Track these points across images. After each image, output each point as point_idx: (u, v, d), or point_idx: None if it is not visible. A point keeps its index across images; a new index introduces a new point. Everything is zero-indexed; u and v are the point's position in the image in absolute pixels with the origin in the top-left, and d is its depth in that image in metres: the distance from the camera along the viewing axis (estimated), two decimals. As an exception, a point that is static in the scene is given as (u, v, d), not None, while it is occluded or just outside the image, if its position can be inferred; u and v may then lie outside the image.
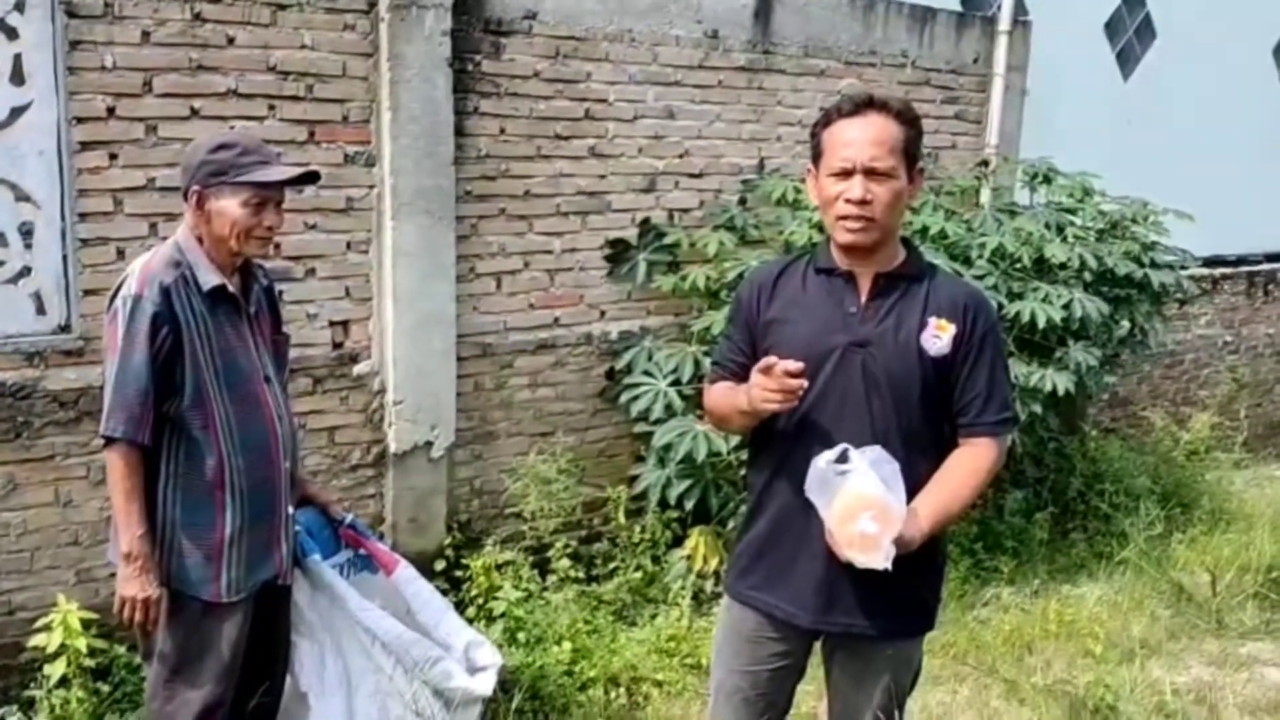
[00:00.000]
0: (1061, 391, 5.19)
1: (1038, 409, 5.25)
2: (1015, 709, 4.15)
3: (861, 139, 2.38)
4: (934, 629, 2.71)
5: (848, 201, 2.39)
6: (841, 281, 2.51)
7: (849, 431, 2.40)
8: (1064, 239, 5.60)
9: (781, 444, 2.53)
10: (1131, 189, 6.07)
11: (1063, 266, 5.48)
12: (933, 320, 2.45)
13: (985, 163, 6.08)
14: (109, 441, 2.69)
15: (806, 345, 2.46)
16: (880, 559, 2.28)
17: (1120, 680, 4.25)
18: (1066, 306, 5.26)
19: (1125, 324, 5.85)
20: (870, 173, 2.37)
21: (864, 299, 2.49)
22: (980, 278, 5.41)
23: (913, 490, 2.40)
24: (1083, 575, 5.42)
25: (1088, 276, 5.52)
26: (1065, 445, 6.18)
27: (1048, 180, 5.95)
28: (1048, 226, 5.64)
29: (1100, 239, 5.84)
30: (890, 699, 2.63)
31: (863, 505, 2.29)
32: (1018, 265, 5.49)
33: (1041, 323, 5.17)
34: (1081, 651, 4.55)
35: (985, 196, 6.01)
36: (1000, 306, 5.25)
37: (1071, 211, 5.91)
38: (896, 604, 2.53)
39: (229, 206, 2.74)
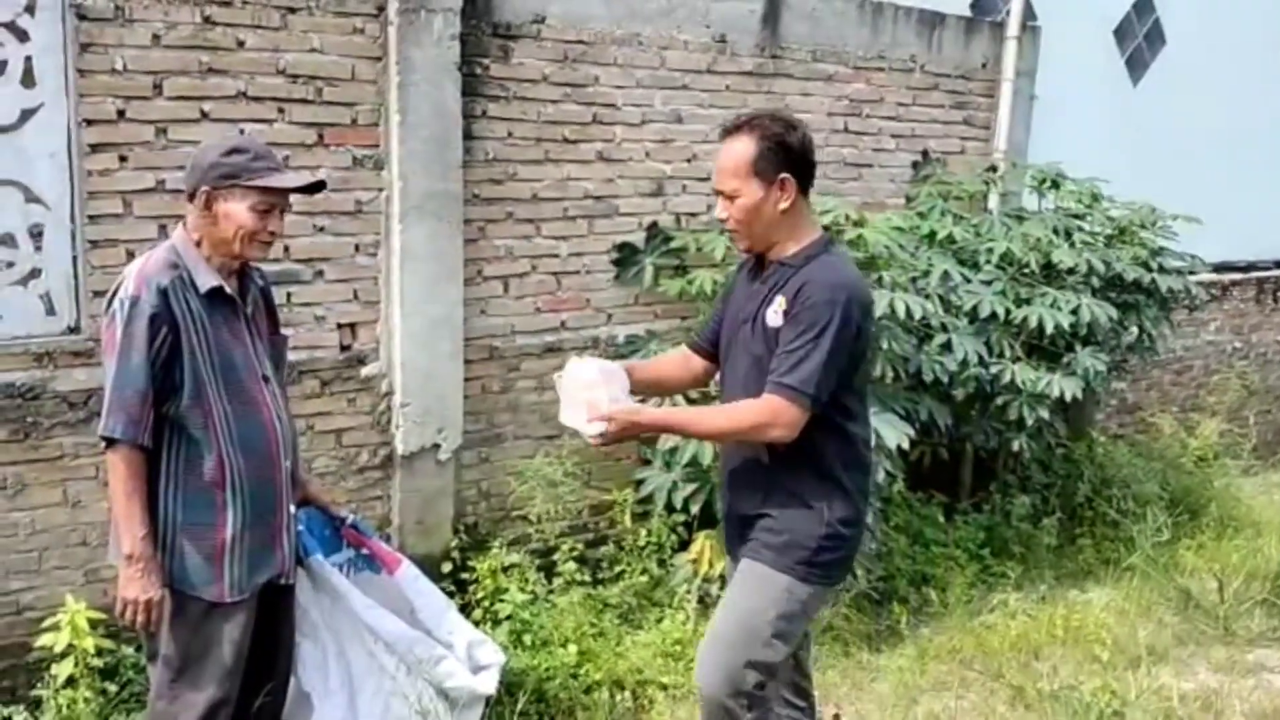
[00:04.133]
0: (1069, 397, 5.19)
1: (1045, 414, 5.25)
2: (1021, 715, 4.15)
3: (717, 167, 2.85)
4: (788, 572, 2.84)
5: (719, 218, 2.90)
6: (756, 268, 2.95)
7: (735, 393, 2.87)
8: (1072, 244, 5.60)
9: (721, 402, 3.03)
10: (1140, 194, 6.07)
11: (1070, 272, 5.48)
12: (778, 298, 2.79)
13: (993, 168, 6.08)
14: (109, 443, 2.70)
15: (729, 322, 2.99)
16: (583, 424, 2.79)
17: (1127, 687, 4.25)
18: (1074, 312, 5.27)
19: (1133, 329, 5.85)
20: (722, 194, 2.83)
21: (760, 280, 2.89)
22: (988, 283, 5.42)
23: (794, 448, 2.77)
24: (1090, 581, 5.41)
25: (1095, 282, 5.52)
26: (1073, 451, 6.17)
27: (1056, 185, 5.96)
28: (1055, 232, 5.65)
29: (1108, 244, 5.84)
30: (722, 618, 2.93)
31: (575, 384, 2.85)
32: (1025, 270, 5.49)
33: (1049, 328, 5.18)
34: (1088, 657, 4.54)
35: (993, 201, 6.01)
36: (1008, 312, 5.25)
37: (1080, 217, 5.92)
38: (754, 529, 2.90)
39: (237, 210, 2.76)
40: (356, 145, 4.15)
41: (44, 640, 3.53)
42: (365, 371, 4.30)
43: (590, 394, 2.80)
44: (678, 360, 3.24)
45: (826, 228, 3.01)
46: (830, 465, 2.84)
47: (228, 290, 2.82)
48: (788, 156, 2.78)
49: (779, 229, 2.82)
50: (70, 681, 3.53)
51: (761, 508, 2.88)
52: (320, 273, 4.16)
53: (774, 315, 2.78)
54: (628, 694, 4.04)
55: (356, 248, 4.22)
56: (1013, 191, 6.13)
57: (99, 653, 3.58)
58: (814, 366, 2.68)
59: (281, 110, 3.98)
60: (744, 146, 2.76)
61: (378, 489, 4.41)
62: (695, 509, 4.63)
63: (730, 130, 2.82)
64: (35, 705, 3.59)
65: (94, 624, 3.55)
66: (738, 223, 2.81)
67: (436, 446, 4.44)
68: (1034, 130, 6.27)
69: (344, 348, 4.25)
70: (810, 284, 2.74)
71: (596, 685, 4.02)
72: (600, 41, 4.71)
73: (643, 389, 3.18)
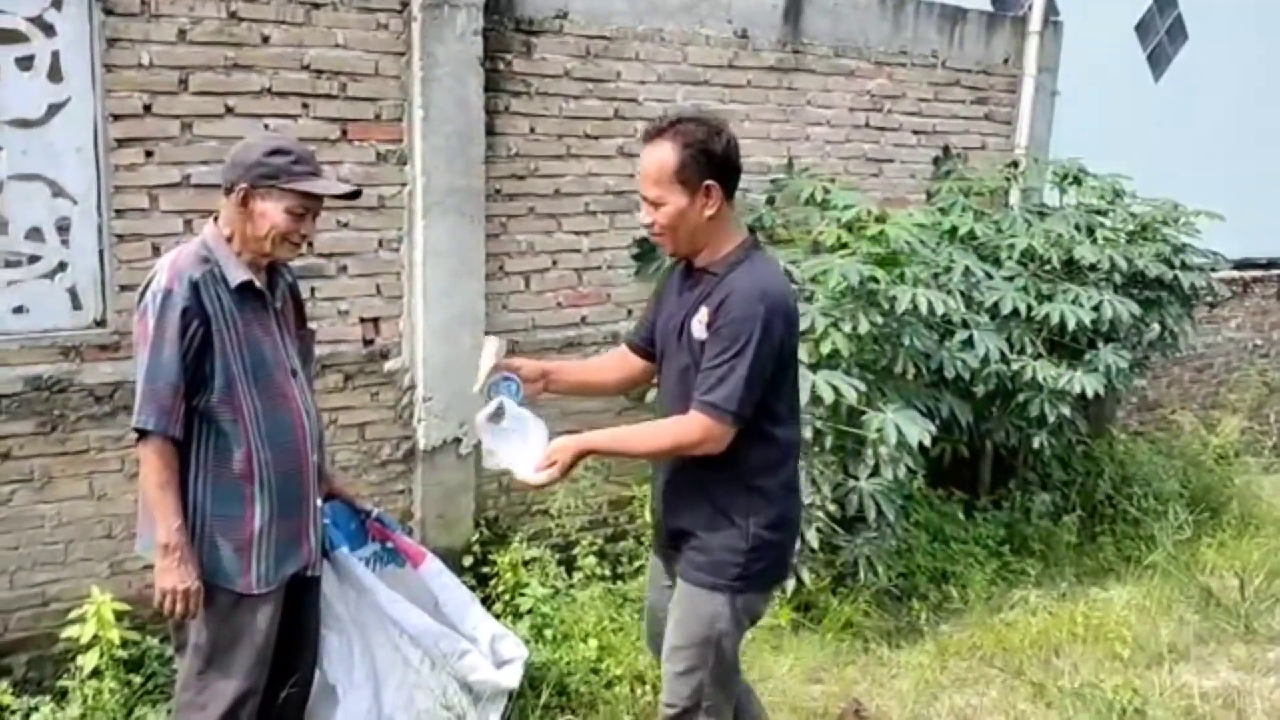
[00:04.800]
0: (1090, 394, 5.18)
1: (1066, 411, 5.24)
2: (1043, 712, 4.14)
3: (641, 174, 2.81)
4: (721, 589, 2.87)
5: (644, 224, 2.87)
6: (686, 273, 2.93)
7: (667, 399, 2.90)
8: (1094, 240, 5.58)
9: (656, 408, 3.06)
10: (1162, 191, 6.04)
11: (1093, 268, 5.47)
12: (702, 309, 2.78)
13: (1015, 164, 6.07)
14: (142, 435, 2.72)
15: (661, 328, 2.98)
16: (530, 472, 2.80)
17: (1148, 684, 4.25)
18: (1096, 308, 5.26)
19: (1155, 326, 5.83)
20: (647, 200, 2.80)
21: (688, 288, 2.89)
22: (1009, 279, 5.40)
23: (722, 455, 2.77)
24: (1111, 578, 5.40)
25: (1118, 278, 5.51)
26: (1093, 448, 6.15)
27: (1078, 181, 5.93)
28: (1078, 228, 5.63)
29: (1131, 241, 5.82)
30: (673, 637, 2.95)
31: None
32: (1047, 267, 5.48)
33: (1071, 325, 5.17)
34: (1109, 655, 4.53)
35: (1015, 197, 6.00)
36: (1029, 309, 5.24)
37: (1102, 213, 5.90)
38: (684, 545, 2.92)
39: (273, 210, 2.77)
40: (380, 140, 4.17)
41: (70, 631, 3.58)
42: (388, 366, 4.32)
43: (520, 438, 2.86)
44: (615, 360, 3.23)
45: (752, 229, 2.99)
46: (753, 476, 2.84)
47: (257, 285, 2.84)
48: (711, 163, 2.75)
49: (704, 235, 2.81)
50: (96, 672, 3.57)
51: (688, 525, 2.90)
52: (344, 268, 4.17)
53: (698, 327, 2.78)
54: (648, 688, 4.03)
55: (380, 243, 4.24)
56: (1034, 187, 6.11)
57: (124, 644, 3.62)
58: (736, 383, 2.69)
59: (306, 106, 4.00)
60: (667, 153, 2.73)
61: (400, 483, 4.43)
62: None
63: (653, 135, 2.78)
64: (61, 696, 3.62)
65: (119, 615, 3.59)
66: (663, 228, 2.79)
67: (458, 440, 4.46)
68: (1055, 126, 6.25)
69: (367, 342, 4.27)
70: (732, 295, 2.73)
71: (617, 680, 4.03)
72: (622, 37, 4.71)
73: (571, 390, 3.30)
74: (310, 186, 2.81)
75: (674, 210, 2.75)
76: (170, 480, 2.72)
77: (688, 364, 2.81)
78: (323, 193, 2.86)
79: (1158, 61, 7.33)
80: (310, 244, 3.92)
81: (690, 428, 2.74)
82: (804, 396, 4.27)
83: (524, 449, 2.84)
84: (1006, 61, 6.03)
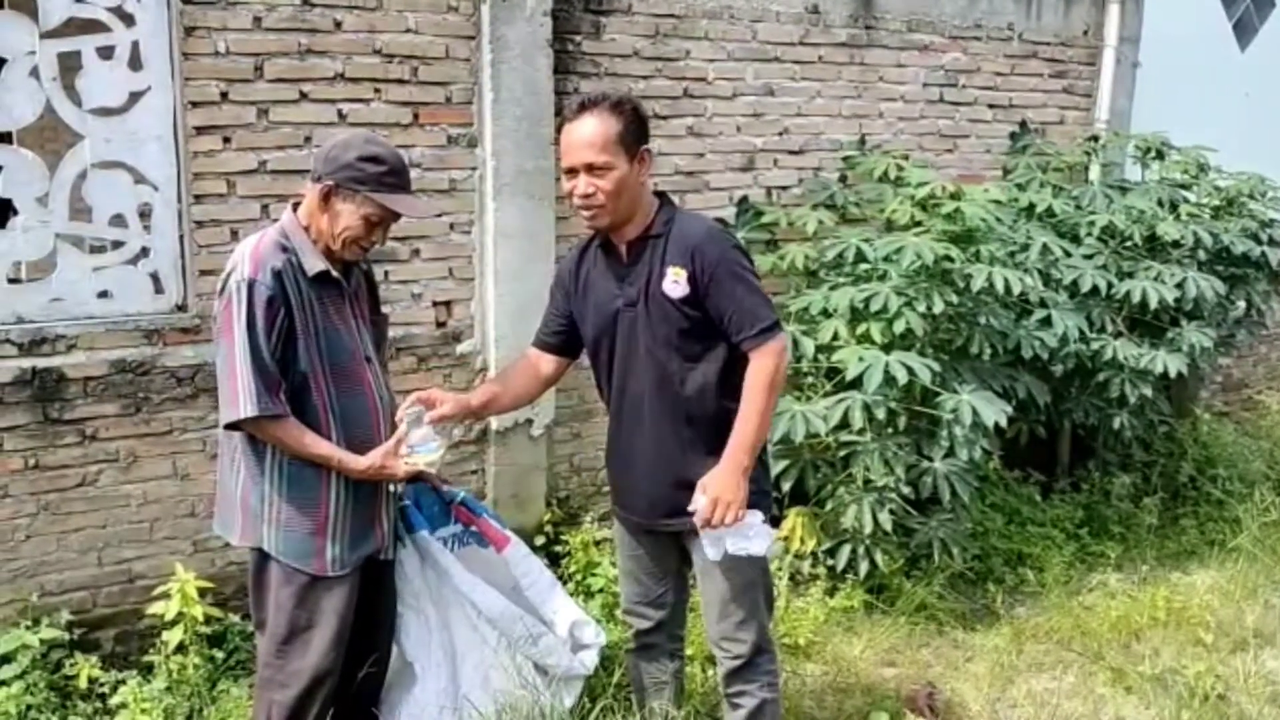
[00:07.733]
0: (1173, 373, 5.06)
1: (1147, 391, 5.13)
2: (1122, 697, 4.08)
3: (580, 142, 2.81)
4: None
5: (579, 196, 2.84)
6: (612, 252, 2.99)
7: (641, 375, 2.95)
8: (1177, 216, 5.45)
9: (606, 391, 3.12)
10: (1249, 164, 5.87)
11: (1176, 245, 5.34)
12: (669, 270, 2.86)
13: (1095, 138, 5.93)
14: (256, 421, 2.74)
15: (597, 312, 3.01)
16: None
17: (1232, 670, 4.16)
18: (1179, 286, 5.14)
19: (1241, 304, 5.68)
20: (590, 168, 2.79)
21: (625, 264, 2.95)
22: (1089, 256, 5.30)
23: (714, 406, 2.93)
24: (1193, 562, 5.28)
25: (1202, 255, 5.38)
26: (1176, 429, 6.01)
27: (1160, 155, 5.79)
28: (1160, 203, 5.50)
29: (1216, 216, 5.67)
30: (722, 592, 3.08)
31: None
32: (1128, 243, 5.36)
33: (1153, 303, 5.06)
34: (1192, 640, 4.44)
35: (1095, 173, 5.86)
36: (1110, 286, 5.14)
37: (1185, 187, 5.75)
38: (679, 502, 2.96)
39: (350, 214, 2.79)
40: (451, 124, 4.19)
41: (155, 608, 3.67)
42: (460, 348, 4.35)
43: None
44: (529, 366, 3.24)
45: (661, 193, 3.07)
46: (731, 413, 2.93)
47: (334, 274, 2.87)
48: (643, 130, 2.87)
49: (636, 202, 2.89)
50: (180, 648, 3.66)
51: (693, 478, 2.96)
52: (417, 251, 4.22)
53: (674, 286, 2.85)
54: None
55: (451, 226, 4.27)
56: (1115, 162, 5.97)
57: (207, 620, 3.71)
58: (765, 300, 2.87)
59: (378, 90, 4.03)
60: (607, 122, 2.79)
61: (473, 463, 4.47)
62: (787, 486, 4.61)
63: (582, 108, 2.82)
64: (147, 670, 3.72)
65: (202, 592, 3.68)
66: (607, 196, 2.81)
67: (529, 422, 4.48)
68: (1137, 98, 6.09)
69: (439, 325, 4.31)
70: (699, 244, 2.84)
71: (690, 659, 4.03)
72: (691, 15, 4.68)
73: (505, 410, 3.39)
74: (394, 203, 2.82)
75: (619, 176, 2.80)
76: (305, 434, 2.79)
77: (679, 325, 2.88)
78: (405, 212, 2.87)
79: (1244, 30, 7.10)
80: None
81: (769, 361, 2.83)
82: (877, 377, 4.25)
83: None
84: (1086, 33, 5.89)
